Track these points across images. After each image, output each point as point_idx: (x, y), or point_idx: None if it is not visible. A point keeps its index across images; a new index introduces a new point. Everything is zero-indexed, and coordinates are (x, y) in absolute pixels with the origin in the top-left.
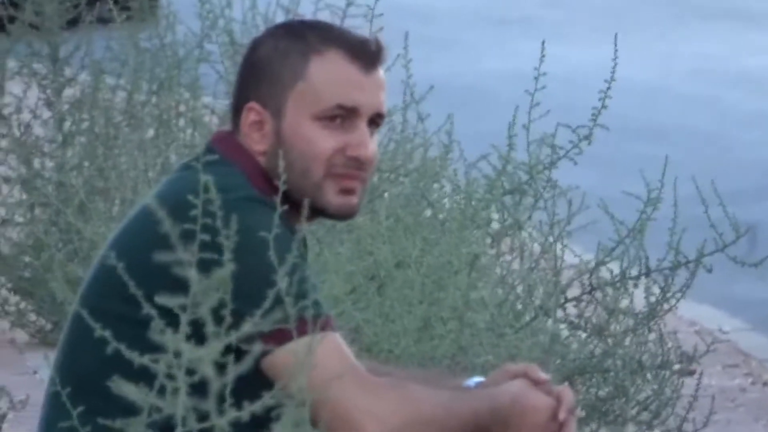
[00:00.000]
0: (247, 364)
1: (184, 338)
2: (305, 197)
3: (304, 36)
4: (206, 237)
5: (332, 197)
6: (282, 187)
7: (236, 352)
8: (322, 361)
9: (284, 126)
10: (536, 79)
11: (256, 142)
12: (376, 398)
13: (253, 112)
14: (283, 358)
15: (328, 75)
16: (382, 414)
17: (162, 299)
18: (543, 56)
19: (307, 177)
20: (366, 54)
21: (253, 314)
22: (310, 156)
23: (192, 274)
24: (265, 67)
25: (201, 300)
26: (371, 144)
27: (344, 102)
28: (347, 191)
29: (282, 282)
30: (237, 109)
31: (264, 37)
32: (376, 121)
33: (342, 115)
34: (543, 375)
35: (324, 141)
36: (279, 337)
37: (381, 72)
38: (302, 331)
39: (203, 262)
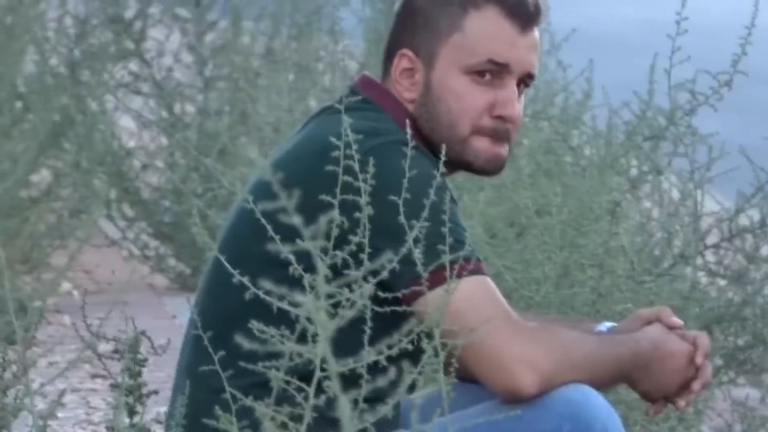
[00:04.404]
0: (402, 305)
1: (325, 281)
2: (450, 150)
3: None
4: (357, 181)
5: (479, 154)
6: (410, 137)
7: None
8: (474, 304)
9: (434, 76)
10: (677, 23)
11: (406, 89)
12: (529, 343)
13: (405, 59)
14: (434, 300)
15: (483, 29)
16: (534, 359)
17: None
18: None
19: (453, 132)
20: (523, 13)
21: (410, 257)
22: (458, 111)
23: (336, 215)
24: (423, 15)
25: (360, 242)
26: (518, 103)
27: (496, 58)
28: (495, 147)
29: (443, 225)
30: (389, 55)
31: None
32: (525, 81)
33: (493, 71)
34: (676, 319)
35: (473, 97)
36: (432, 279)
37: (536, 33)
38: (456, 275)
39: (355, 205)
